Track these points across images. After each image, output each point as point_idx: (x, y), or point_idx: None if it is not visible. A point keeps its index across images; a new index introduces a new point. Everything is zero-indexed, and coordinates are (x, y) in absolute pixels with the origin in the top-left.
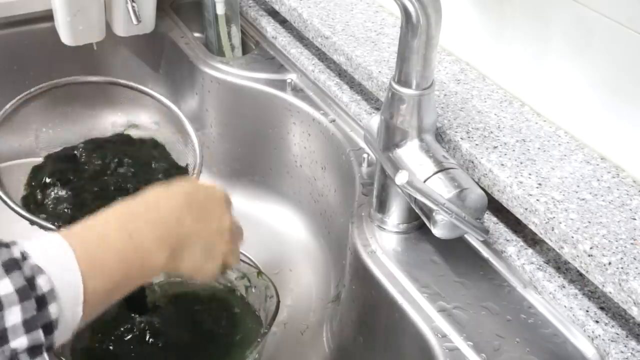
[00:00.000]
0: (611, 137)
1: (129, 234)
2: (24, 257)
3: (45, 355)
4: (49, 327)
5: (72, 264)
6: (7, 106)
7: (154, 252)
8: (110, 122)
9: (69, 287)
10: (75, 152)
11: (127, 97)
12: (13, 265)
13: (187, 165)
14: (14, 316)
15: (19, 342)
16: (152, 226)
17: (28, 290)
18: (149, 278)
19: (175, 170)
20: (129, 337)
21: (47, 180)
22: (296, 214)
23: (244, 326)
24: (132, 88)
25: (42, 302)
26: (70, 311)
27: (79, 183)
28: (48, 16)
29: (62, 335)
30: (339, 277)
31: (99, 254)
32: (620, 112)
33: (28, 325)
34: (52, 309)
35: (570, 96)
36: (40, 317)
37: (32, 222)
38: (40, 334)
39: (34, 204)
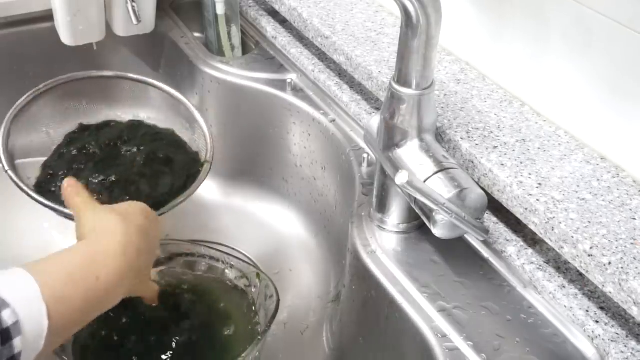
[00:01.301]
0: (611, 137)
1: (96, 277)
2: None
3: None
4: None
5: (36, 297)
6: (22, 99)
7: (117, 287)
8: (120, 117)
9: (33, 321)
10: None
11: (133, 94)
12: None
13: (198, 152)
14: None
15: None
16: (117, 264)
17: None
18: (109, 307)
19: (188, 156)
20: (129, 334)
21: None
22: (296, 214)
23: (243, 325)
24: (140, 81)
25: (6, 335)
26: (33, 344)
27: (89, 166)
28: (48, 16)
29: None
30: (339, 277)
31: (66, 292)
32: (620, 112)
33: None
34: (16, 343)
35: (570, 96)
36: (4, 352)
37: (48, 207)
38: None
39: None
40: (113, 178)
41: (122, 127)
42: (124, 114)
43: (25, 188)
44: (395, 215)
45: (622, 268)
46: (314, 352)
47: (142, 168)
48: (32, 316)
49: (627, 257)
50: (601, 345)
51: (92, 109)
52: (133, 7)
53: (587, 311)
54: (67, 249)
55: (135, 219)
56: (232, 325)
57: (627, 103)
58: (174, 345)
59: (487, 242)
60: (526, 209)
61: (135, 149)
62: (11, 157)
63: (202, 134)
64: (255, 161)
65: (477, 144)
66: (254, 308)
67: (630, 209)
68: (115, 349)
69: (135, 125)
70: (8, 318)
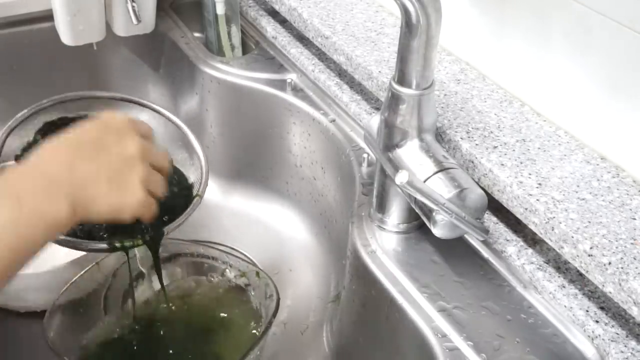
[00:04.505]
0: (611, 137)
1: (17, 198)
2: None
3: None
4: None
5: None
6: (19, 115)
7: (50, 210)
8: None
9: None
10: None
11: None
12: None
13: (192, 184)
14: None
15: None
16: (40, 183)
17: None
18: (58, 231)
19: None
20: (132, 334)
21: None
22: (296, 214)
23: (244, 325)
24: (137, 103)
25: None
26: None
27: None
28: (48, 16)
29: None
30: (339, 277)
31: None
32: (620, 112)
33: None
34: None
35: (571, 96)
36: None
37: None
38: None
39: None
40: None
41: None
42: None
43: None
44: (395, 215)
45: (622, 268)
46: (314, 352)
47: None
48: None
49: (627, 257)
50: (601, 345)
51: None
52: (133, 7)
53: (587, 311)
54: None
55: (70, 134)
56: (232, 325)
57: (627, 103)
58: (173, 346)
59: (487, 242)
60: (526, 209)
61: None
62: None
63: (199, 165)
64: (255, 161)
65: (477, 144)
66: (254, 307)
67: (630, 209)
68: (117, 349)
69: None
70: None
